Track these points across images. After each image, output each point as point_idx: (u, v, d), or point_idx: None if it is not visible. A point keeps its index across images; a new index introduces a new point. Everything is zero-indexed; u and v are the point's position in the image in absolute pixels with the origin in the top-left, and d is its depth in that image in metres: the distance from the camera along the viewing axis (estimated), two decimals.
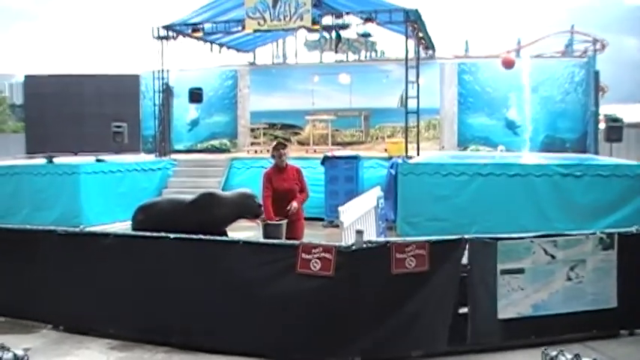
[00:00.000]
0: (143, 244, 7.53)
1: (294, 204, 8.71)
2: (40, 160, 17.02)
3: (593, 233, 7.20)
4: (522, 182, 12.82)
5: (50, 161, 16.30)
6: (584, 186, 12.57)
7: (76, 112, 32.88)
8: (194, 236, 7.29)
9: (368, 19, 17.56)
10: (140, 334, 7.24)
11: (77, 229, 8.06)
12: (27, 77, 38.58)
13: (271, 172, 9.05)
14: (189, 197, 9.16)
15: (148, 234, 7.59)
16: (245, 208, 8.81)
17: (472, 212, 12.62)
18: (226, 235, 8.29)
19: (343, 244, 6.99)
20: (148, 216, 8.89)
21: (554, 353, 2.42)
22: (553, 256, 6.95)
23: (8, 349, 2.12)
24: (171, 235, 7.30)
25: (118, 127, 21.37)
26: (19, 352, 2.10)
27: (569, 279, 7.00)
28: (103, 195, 15.43)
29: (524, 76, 20.27)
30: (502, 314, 6.82)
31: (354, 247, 6.63)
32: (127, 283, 7.45)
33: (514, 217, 12.10)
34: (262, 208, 8.76)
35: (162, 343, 7.09)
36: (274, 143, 9.28)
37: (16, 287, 8.12)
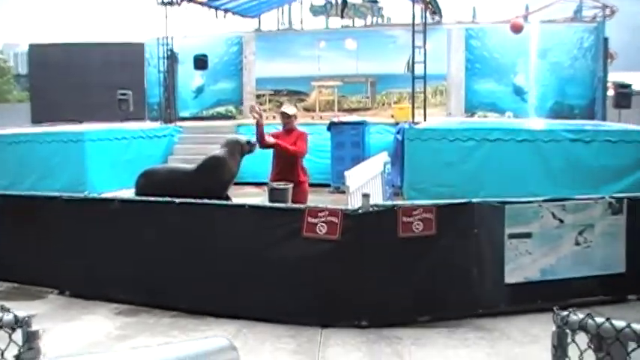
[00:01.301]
0: (148, 209, 7.51)
1: (254, 105, 8.83)
2: (45, 128, 16.94)
3: (602, 198, 7.14)
4: (531, 148, 12.70)
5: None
6: (593, 151, 12.46)
7: (80, 80, 32.72)
8: (199, 201, 7.27)
9: None
10: (147, 298, 7.24)
11: (82, 195, 8.04)
12: (31, 46, 38.42)
13: (278, 132, 9.12)
14: (191, 165, 9.31)
15: (153, 199, 7.59)
16: (238, 149, 9.21)
17: (480, 178, 12.52)
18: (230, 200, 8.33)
19: (350, 207, 6.95)
20: (151, 181, 8.88)
21: (565, 313, 2.35)
22: (561, 221, 6.89)
23: (8, 311, 2.08)
24: (177, 200, 7.26)
25: (124, 94, 21.27)
26: (20, 314, 2.06)
27: (578, 243, 6.95)
28: (109, 162, 15.38)
29: (533, 42, 20.06)
30: (509, 278, 6.78)
31: (360, 211, 6.59)
32: (133, 249, 7.44)
33: (522, 183, 12.00)
34: (252, 145, 9.14)
35: (169, 307, 7.09)
36: (280, 110, 9.29)
37: (23, 254, 8.12)
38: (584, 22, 21.12)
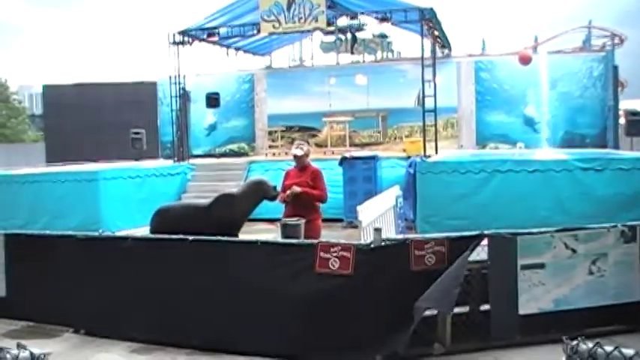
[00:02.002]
0: (162, 247, 7.55)
1: (295, 188, 8.72)
2: (59, 168, 17.08)
3: (615, 226, 7.11)
4: (542, 178, 12.72)
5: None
6: (606, 180, 12.46)
7: (94, 120, 33.13)
8: (212, 238, 7.30)
9: (383, 19, 17.54)
10: (161, 336, 7.23)
11: (96, 234, 8.10)
12: (45, 87, 38.94)
13: (291, 171, 9.30)
14: (205, 201, 9.34)
15: (166, 236, 7.62)
16: (260, 192, 9.12)
17: (492, 210, 12.52)
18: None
19: (362, 242, 6.96)
20: (165, 219, 8.96)
21: (574, 342, 2.37)
22: (574, 250, 6.87)
23: (25, 348, 2.12)
24: (190, 237, 7.30)
25: (137, 133, 21.46)
26: (36, 351, 2.10)
27: (591, 273, 6.92)
28: (123, 201, 15.47)
29: (542, 72, 20.15)
30: (523, 310, 6.74)
31: (372, 245, 6.60)
32: (147, 286, 7.47)
33: (535, 214, 11.99)
34: (276, 193, 9.06)
35: (184, 345, 7.09)
36: (292, 153, 9.38)
37: (38, 292, 8.15)
38: (593, 52, 21.20)
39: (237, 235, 8.63)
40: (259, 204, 9.20)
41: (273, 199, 9.09)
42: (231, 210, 8.88)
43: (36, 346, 2.30)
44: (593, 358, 2.28)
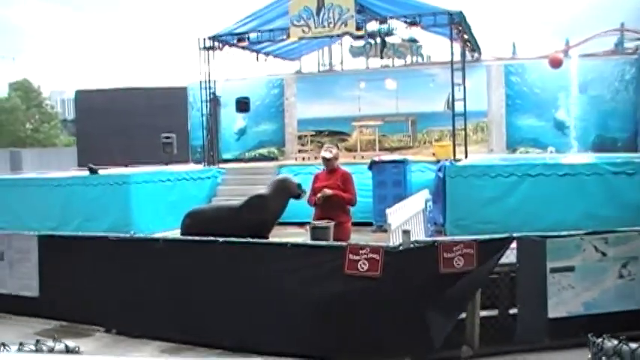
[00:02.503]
0: (193, 248, 7.64)
1: (326, 190, 8.76)
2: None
3: None
4: (573, 182, 12.60)
5: (94, 172, 16.55)
6: (637, 184, 12.31)
7: (125, 124, 33.42)
8: (242, 239, 7.38)
9: (412, 23, 17.52)
10: (192, 337, 7.33)
11: (128, 235, 8.21)
12: (78, 92, 39.37)
13: (320, 174, 9.36)
14: (236, 202, 9.41)
15: (197, 238, 7.71)
16: (286, 190, 9.24)
17: (522, 214, 12.43)
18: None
19: (391, 244, 6.99)
20: (195, 221, 9.05)
21: (599, 340, 2.39)
22: (604, 254, 6.85)
23: (60, 341, 2.20)
24: (220, 239, 7.38)
25: (167, 138, 21.63)
26: (71, 344, 2.18)
27: (621, 276, 6.90)
28: (153, 204, 15.59)
29: (573, 76, 19.99)
30: (552, 313, 6.74)
31: (401, 248, 6.63)
32: (178, 287, 7.56)
33: (565, 218, 11.87)
34: (301, 190, 9.23)
35: (215, 346, 7.16)
36: (321, 156, 9.44)
37: (72, 293, 8.31)
38: (625, 55, 20.99)
39: (267, 237, 8.70)
40: (287, 203, 9.28)
41: (298, 197, 9.21)
42: (262, 211, 8.96)
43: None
44: (618, 355, 2.29)
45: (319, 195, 8.78)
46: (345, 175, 9.11)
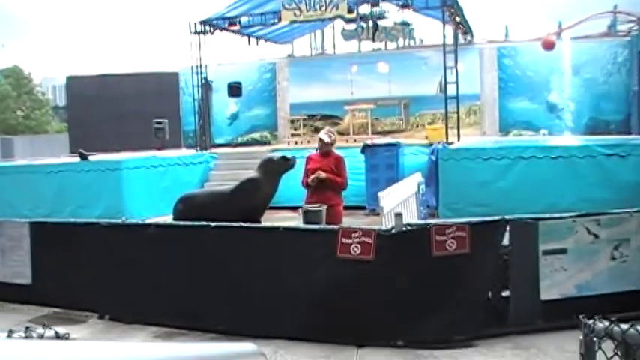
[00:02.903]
0: (185, 234, 7.63)
1: (321, 173, 8.74)
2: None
3: (637, 211, 7.08)
4: (565, 164, 12.61)
5: (85, 158, 16.52)
6: (630, 166, 12.33)
7: (117, 110, 33.32)
8: (234, 224, 7.37)
9: (404, 6, 17.46)
10: (185, 321, 7.33)
11: (119, 221, 8.19)
12: (69, 78, 39.24)
13: (313, 156, 9.33)
14: (228, 187, 9.41)
15: (189, 223, 7.71)
16: (274, 169, 9.28)
17: (515, 196, 12.43)
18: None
19: (383, 227, 6.99)
20: (188, 206, 9.04)
21: (590, 321, 2.39)
22: (596, 235, 6.85)
23: (50, 327, 2.20)
24: (212, 224, 7.37)
25: (159, 123, 21.52)
26: (62, 331, 2.18)
27: (614, 258, 6.90)
28: (146, 190, 15.55)
29: (566, 59, 19.98)
30: (545, 295, 6.75)
31: (393, 231, 6.63)
32: (170, 272, 7.56)
33: (558, 200, 11.89)
34: (288, 160, 9.30)
35: (207, 330, 7.16)
36: (318, 137, 9.38)
37: (64, 279, 8.30)
38: (617, 37, 20.98)
39: (260, 221, 8.70)
40: (279, 182, 9.30)
41: (289, 168, 9.28)
42: (254, 195, 8.96)
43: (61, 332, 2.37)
44: (609, 335, 2.29)
45: (313, 177, 8.76)
46: (339, 159, 9.11)
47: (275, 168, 9.27)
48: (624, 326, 2.23)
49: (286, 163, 9.28)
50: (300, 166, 9.38)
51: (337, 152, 9.37)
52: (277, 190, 9.35)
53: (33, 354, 1.60)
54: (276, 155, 9.50)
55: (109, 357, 1.68)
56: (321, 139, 9.18)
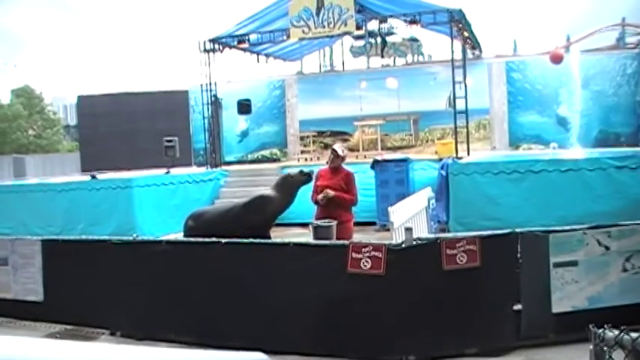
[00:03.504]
0: (195, 249, 7.64)
1: (329, 191, 8.74)
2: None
3: None
4: (576, 177, 12.56)
5: (94, 178, 16.65)
6: None
7: (127, 129, 33.52)
8: (245, 240, 7.37)
9: (412, 22, 17.50)
10: (196, 338, 7.30)
11: (130, 238, 8.21)
12: (79, 97, 39.48)
13: (323, 172, 9.28)
14: (238, 202, 9.46)
15: (199, 240, 7.71)
16: (291, 184, 9.28)
17: (526, 210, 12.40)
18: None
19: (393, 242, 6.98)
20: (198, 222, 9.07)
21: (600, 331, 2.39)
22: (607, 247, 6.82)
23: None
24: (223, 240, 7.38)
25: (170, 141, 21.57)
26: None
27: (625, 270, 6.86)
28: (157, 207, 15.60)
29: (575, 71, 19.98)
30: (557, 308, 6.72)
31: (404, 245, 6.62)
32: (182, 289, 7.56)
33: (569, 213, 11.84)
34: (306, 174, 9.32)
35: (218, 346, 7.14)
36: (335, 147, 9.37)
37: (76, 297, 8.30)
38: (626, 49, 20.98)
39: (269, 236, 8.71)
40: (295, 196, 9.33)
41: (307, 181, 9.27)
42: (262, 211, 8.97)
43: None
44: (619, 344, 2.28)
45: (321, 196, 8.76)
46: (349, 175, 9.08)
47: (293, 183, 9.30)
48: (634, 335, 2.23)
49: (303, 177, 9.30)
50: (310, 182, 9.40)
51: (347, 168, 9.36)
52: (292, 204, 9.38)
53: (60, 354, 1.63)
54: (295, 170, 9.53)
55: None
56: (334, 151, 9.14)
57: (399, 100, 21.68)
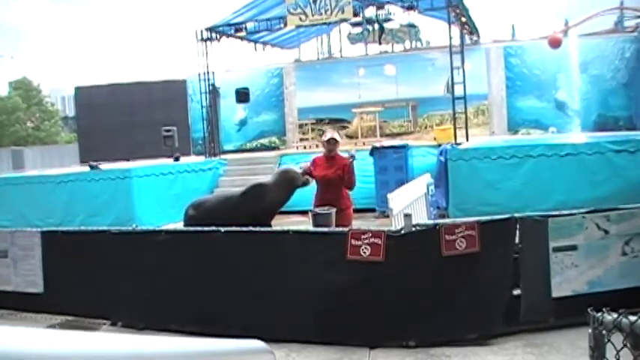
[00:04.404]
0: (195, 239, 7.64)
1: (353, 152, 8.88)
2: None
3: None
4: (575, 161, 12.54)
5: (94, 168, 16.61)
6: (639, 161, 12.27)
7: (126, 119, 33.48)
8: (244, 229, 7.37)
9: (409, 7, 17.43)
10: (197, 326, 7.30)
11: (130, 228, 8.21)
12: (77, 89, 39.41)
13: (318, 159, 9.20)
14: (237, 191, 9.42)
15: (199, 229, 7.71)
16: (289, 181, 9.11)
17: (525, 195, 12.40)
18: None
19: (392, 228, 6.98)
20: (198, 211, 9.07)
21: (599, 314, 2.38)
22: (606, 231, 6.82)
23: None
24: (222, 229, 7.38)
25: (168, 131, 21.55)
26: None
27: (625, 254, 6.86)
28: (156, 197, 15.58)
29: (573, 56, 19.94)
30: (556, 292, 6.72)
31: (403, 231, 6.62)
32: (182, 278, 7.56)
33: (568, 197, 11.84)
34: (304, 180, 9.09)
35: (219, 335, 7.12)
36: (327, 137, 9.22)
37: (76, 288, 8.30)
38: (624, 33, 20.92)
39: (270, 225, 8.69)
40: (291, 194, 9.18)
41: (303, 185, 9.11)
42: (261, 200, 8.93)
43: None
44: (617, 327, 2.28)
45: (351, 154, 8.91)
46: (348, 165, 8.96)
47: (292, 181, 9.08)
48: (633, 318, 2.22)
49: (300, 179, 9.05)
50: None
51: (343, 154, 9.23)
52: (288, 200, 9.27)
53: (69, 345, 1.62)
54: (297, 169, 9.34)
55: (121, 349, 1.70)
56: (333, 138, 9.05)
57: (397, 87, 21.63)
